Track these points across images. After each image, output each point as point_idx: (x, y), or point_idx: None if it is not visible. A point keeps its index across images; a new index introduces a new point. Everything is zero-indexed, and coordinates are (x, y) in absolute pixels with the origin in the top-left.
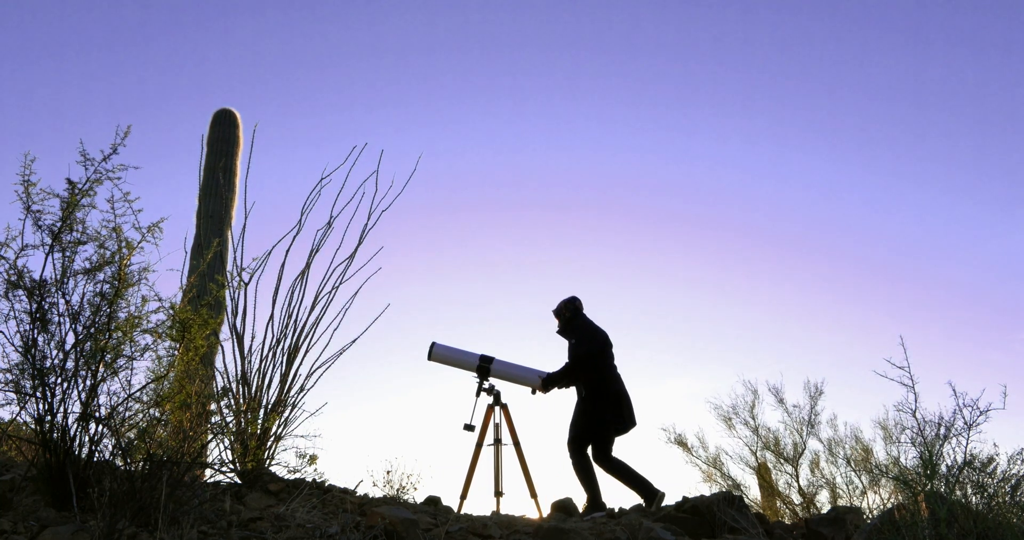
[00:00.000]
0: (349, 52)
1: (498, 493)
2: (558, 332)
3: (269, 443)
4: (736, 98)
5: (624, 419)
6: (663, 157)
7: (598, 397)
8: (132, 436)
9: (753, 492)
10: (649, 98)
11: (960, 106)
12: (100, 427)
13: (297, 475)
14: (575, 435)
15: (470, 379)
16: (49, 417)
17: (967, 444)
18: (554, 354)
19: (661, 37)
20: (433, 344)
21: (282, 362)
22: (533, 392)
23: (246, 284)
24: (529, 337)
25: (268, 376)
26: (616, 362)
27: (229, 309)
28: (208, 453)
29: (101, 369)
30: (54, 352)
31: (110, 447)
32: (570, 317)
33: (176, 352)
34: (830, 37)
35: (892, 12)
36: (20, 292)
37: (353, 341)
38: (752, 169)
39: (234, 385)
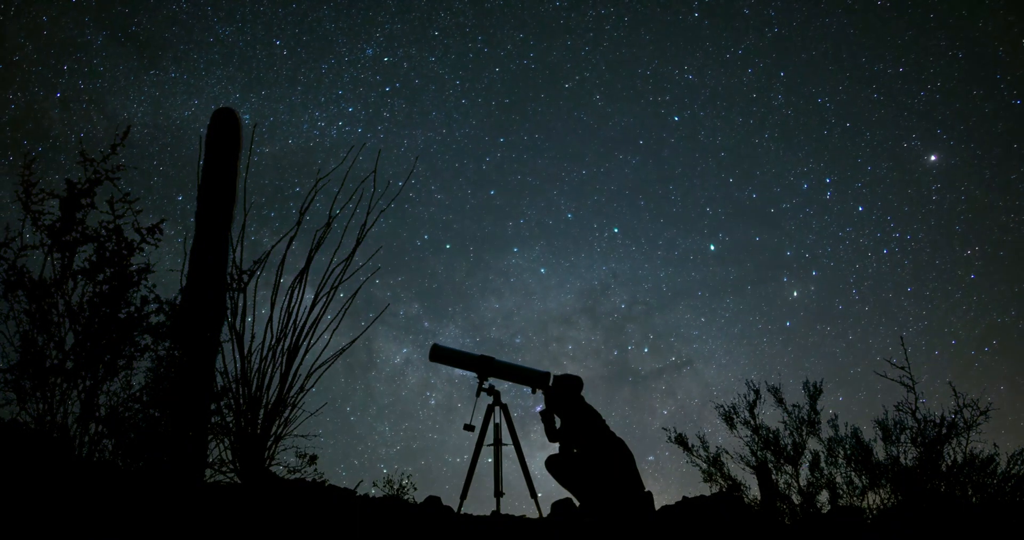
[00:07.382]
0: (348, 51)
1: (498, 493)
2: (547, 401)
3: (269, 443)
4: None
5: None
6: (661, 151)
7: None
8: (132, 436)
9: (753, 492)
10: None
11: (959, 99)
12: (100, 427)
13: (297, 475)
14: (557, 459)
15: (470, 380)
16: (49, 417)
17: (967, 444)
18: (553, 354)
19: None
20: (434, 345)
21: (282, 362)
22: (533, 391)
23: (245, 284)
24: (529, 337)
25: (268, 376)
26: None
27: (229, 309)
28: (208, 453)
29: (101, 369)
30: (54, 352)
31: (110, 447)
32: (558, 395)
33: (176, 353)
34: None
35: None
36: (20, 292)
37: (353, 341)
38: (751, 163)
39: (234, 385)
